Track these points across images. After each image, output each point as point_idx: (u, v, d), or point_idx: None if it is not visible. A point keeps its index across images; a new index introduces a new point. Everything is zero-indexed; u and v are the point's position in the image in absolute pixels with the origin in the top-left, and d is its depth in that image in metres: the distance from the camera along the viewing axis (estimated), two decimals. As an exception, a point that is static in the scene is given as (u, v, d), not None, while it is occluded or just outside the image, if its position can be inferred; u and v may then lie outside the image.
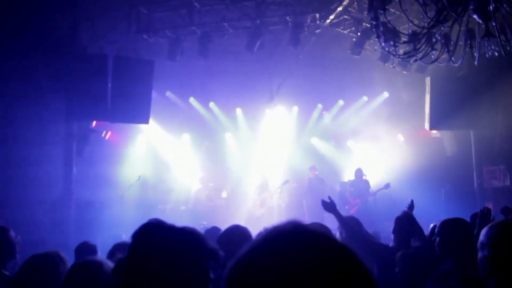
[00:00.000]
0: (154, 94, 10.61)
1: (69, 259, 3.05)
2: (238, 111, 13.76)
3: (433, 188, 11.05)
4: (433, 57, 6.34)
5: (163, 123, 12.99)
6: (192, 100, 13.44)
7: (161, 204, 11.66)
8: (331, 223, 4.70)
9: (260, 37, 9.58)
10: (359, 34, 10.11)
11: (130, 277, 1.67)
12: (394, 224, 4.18)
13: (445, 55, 6.38)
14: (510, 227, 1.93)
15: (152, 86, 10.28)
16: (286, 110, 13.89)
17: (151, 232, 1.71)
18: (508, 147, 10.98)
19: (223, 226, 3.72)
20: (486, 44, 5.81)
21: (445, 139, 12.65)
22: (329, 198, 4.64)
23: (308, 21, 9.94)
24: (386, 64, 10.07)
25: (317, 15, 9.83)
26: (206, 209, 11.85)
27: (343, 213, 7.66)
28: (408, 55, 6.53)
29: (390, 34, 6.15)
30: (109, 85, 9.71)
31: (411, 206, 4.73)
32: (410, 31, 6.23)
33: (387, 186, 11.14)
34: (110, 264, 2.47)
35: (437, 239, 3.22)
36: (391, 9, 7.47)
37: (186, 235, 1.70)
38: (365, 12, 8.15)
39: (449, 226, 3.24)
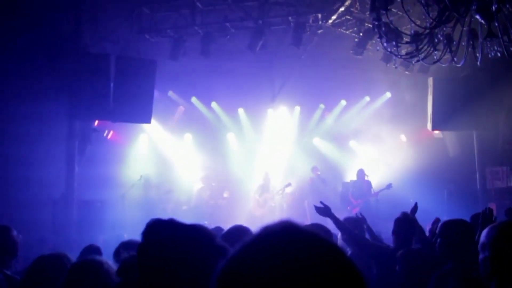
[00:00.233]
0: (156, 94, 10.63)
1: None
2: (240, 111, 13.76)
3: (436, 189, 11.03)
4: (435, 57, 6.32)
5: (165, 123, 13.01)
6: (194, 100, 13.46)
7: (162, 204, 11.66)
8: (333, 224, 4.68)
9: (262, 37, 9.58)
10: (361, 34, 10.10)
11: (140, 274, 1.67)
12: (394, 225, 4.17)
13: (447, 56, 6.37)
14: (510, 227, 1.93)
15: (154, 86, 10.29)
16: (288, 110, 13.88)
17: (161, 229, 1.71)
18: (511, 148, 10.95)
19: (225, 226, 3.72)
20: (488, 45, 5.79)
21: (447, 140, 12.62)
22: (321, 202, 4.53)
23: (310, 21, 9.93)
24: (388, 65, 10.07)
25: (319, 16, 9.83)
26: (208, 209, 11.85)
27: (345, 213, 7.66)
28: (410, 55, 6.52)
29: (392, 34, 6.14)
30: (112, 84, 9.74)
31: (415, 209, 4.70)
32: (412, 32, 6.21)
33: (389, 186, 11.12)
34: (110, 264, 2.47)
35: (438, 240, 3.22)
36: (393, 10, 7.45)
37: (196, 232, 1.70)
38: (367, 13, 8.15)
39: (450, 227, 3.24)
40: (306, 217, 11.39)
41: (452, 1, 5.03)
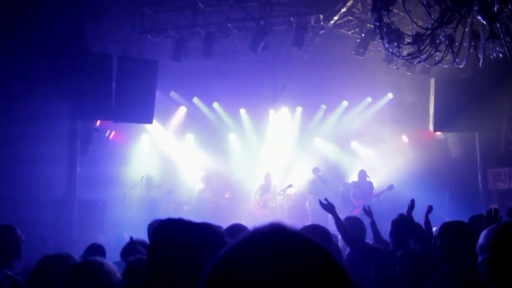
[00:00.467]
0: (158, 94, 10.64)
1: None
2: (242, 111, 13.78)
3: (438, 190, 11.00)
4: (437, 58, 6.31)
5: (167, 123, 13.02)
6: (196, 100, 13.47)
7: (164, 204, 11.68)
8: (334, 225, 4.68)
9: (264, 37, 9.58)
10: (363, 35, 10.10)
11: (150, 274, 1.68)
12: (391, 227, 4.17)
13: (449, 57, 6.36)
14: (509, 229, 1.92)
15: (156, 86, 10.30)
16: (290, 111, 13.89)
17: (171, 229, 1.72)
18: (513, 149, 10.94)
19: (226, 226, 3.72)
20: (490, 46, 5.78)
21: (449, 141, 12.60)
22: (326, 200, 4.68)
23: (312, 22, 9.93)
24: (390, 66, 10.04)
25: (321, 16, 9.82)
26: (209, 209, 11.85)
27: (347, 214, 7.65)
28: (412, 56, 6.51)
29: (394, 35, 6.13)
30: (113, 84, 9.75)
31: (411, 207, 4.72)
32: (414, 32, 6.20)
33: (390, 187, 11.09)
34: (110, 265, 2.48)
35: (438, 241, 3.22)
36: (394, 10, 7.45)
37: (205, 231, 1.71)
38: (369, 13, 8.12)
39: (449, 229, 3.25)
40: (307, 218, 11.38)
41: (454, 2, 5.01)
